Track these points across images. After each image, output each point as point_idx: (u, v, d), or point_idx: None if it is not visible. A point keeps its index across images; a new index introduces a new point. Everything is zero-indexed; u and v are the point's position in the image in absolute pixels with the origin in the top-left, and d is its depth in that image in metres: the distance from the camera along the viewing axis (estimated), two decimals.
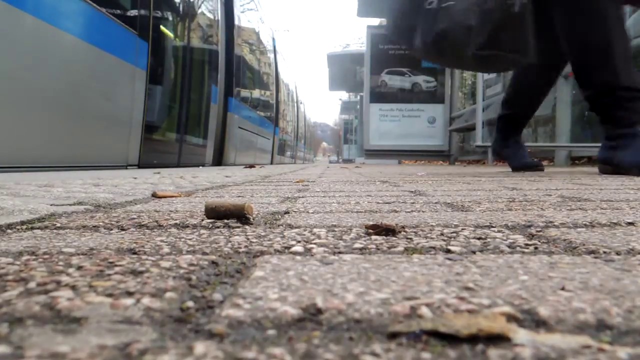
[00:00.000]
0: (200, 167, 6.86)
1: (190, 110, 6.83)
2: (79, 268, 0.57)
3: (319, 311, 0.41)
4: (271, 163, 14.15)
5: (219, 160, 8.66)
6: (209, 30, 7.54)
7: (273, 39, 14.26)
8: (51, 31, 3.58)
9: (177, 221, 1.01)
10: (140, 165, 5.31)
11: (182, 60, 6.53)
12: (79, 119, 4.18)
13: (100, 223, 0.98)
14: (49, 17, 3.53)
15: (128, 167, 5.08)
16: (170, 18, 6.06)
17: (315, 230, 0.88)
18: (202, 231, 0.87)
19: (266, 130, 13.19)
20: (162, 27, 5.75)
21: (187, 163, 6.79)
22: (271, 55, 14.09)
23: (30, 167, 3.53)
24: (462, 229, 0.88)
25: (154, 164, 5.54)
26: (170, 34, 6.08)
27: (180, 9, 6.25)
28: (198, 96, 7.17)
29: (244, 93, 10.15)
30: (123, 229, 0.90)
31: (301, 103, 26.45)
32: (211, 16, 7.57)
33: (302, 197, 1.65)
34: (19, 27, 3.26)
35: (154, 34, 5.27)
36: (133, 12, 4.91)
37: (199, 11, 6.87)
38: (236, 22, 8.91)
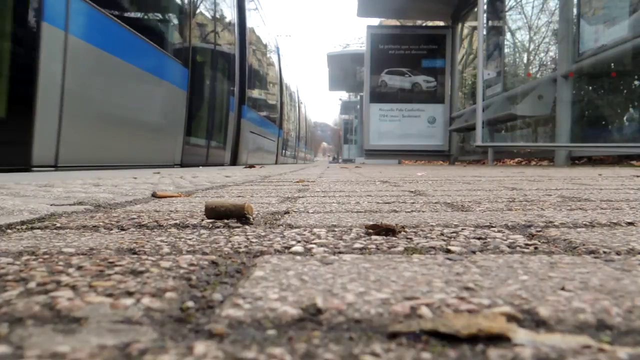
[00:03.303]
0: (220, 166, 8.26)
1: (215, 119, 8.43)
2: (79, 268, 0.57)
3: (319, 311, 0.41)
4: (276, 163, 15.54)
5: (234, 160, 9.93)
6: (229, 54, 9.32)
7: (277, 48, 15.82)
8: (131, 69, 5.05)
9: (177, 221, 1.01)
10: (182, 165, 6.67)
11: (210, 80, 8.14)
12: (148, 130, 5.69)
13: (100, 223, 0.98)
14: (132, 59, 5.02)
15: (174, 166, 6.41)
16: (203, 48, 7.71)
17: (315, 230, 0.88)
18: (202, 231, 0.87)
19: (272, 133, 14.66)
20: (197, 57, 7.27)
21: (212, 163, 8.20)
22: (276, 65, 15.69)
23: (118, 166, 5.00)
24: (462, 229, 0.88)
25: (190, 164, 6.95)
26: (202, 61, 7.72)
27: (210, 40, 7.97)
28: (220, 107, 8.80)
29: (254, 101, 11.72)
30: (123, 229, 0.90)
31: (302, 104, 27.24)
32: (231, 41, 9.42)
33: (302, 197, 1.65)
34: (112, 67, 4.68)
35: (192, 63, 6.81)
36: (179, 46, 6.47)
37: (223, 41, 8.82)
38: (247, 41, 10.54)
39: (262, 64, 13.06)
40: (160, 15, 6.07)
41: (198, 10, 7.18)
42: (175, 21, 6.46)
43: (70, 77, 3.94)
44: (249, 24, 10.66)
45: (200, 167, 6.94)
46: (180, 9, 6.51)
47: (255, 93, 11.89)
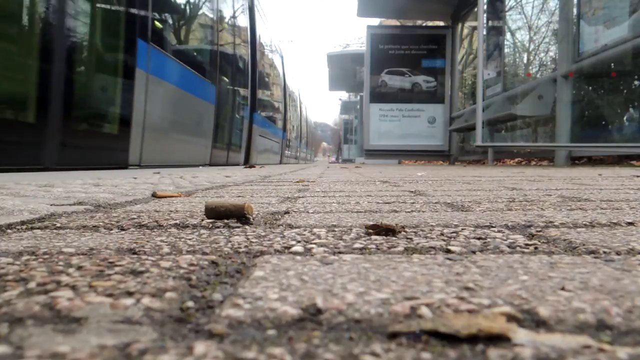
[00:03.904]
0: (236, 165, 9.68)
1: (233, 126, 10.12)
2: (79, 268, 0.57)
3: (319, 311, 0.41)
4: (280, 162, 17.15)
5: (246, 160, 11.44)
6: (244, 71, 11.00)
7: (282, 58, 17.67)
8: (182, 93, 6.76)
9: (177, 221, 1.01)
10: (210, 164, 8.24)
11: (230, 94, 9.88)
12: (191, 137, 7.40)
13: (100, 223, 0.98)
14: (183, 86, 6.76)
15: (205, 165, 7.98)
16: (226, 68, 9.41)
17: (315, 230, 0.88)
18: (202, 231, 0.87)
19: (277, 135, 16.39)
20: (222, 75, 8.95)
21: (231, 163, 9.87)
22: (281, 73, 17.40)
23: (174, 165, 6.45)
24: (462, 229, 0.88)
25: (216, 164, 8.56)
26: (226, 79, 9.47)
27: (230, 61, 9.84)
28: (238, 116, 10.57)
29: (262, 108, 13.36)
30: (123, 229, 0.90)
31: (303, 106, 29.03)
32: (246, 59, 11.08)
33: (302, 197, 1.65)
34: (172, 93, 6.42)
35: (218, 81, 8.54)
36: (210, 70, 8.13)
37: (240, 61, 10.56)
38: (258, 57, 12.12)
39: (269, 74, 14.83)
40: (200, 50, 8.05)
41: (223, 42, 9.08)
42: (209, 53, 8.34)
43: (149, 103, 5.49)
44: (259, 41, 12.44)
45: (222, 166, 8.49)
46: (211, 42, 8.42)
47: (263, 101, 13.58)
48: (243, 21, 10.81)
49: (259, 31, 12.12)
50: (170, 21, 6.76)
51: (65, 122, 4.03)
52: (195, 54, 7.73)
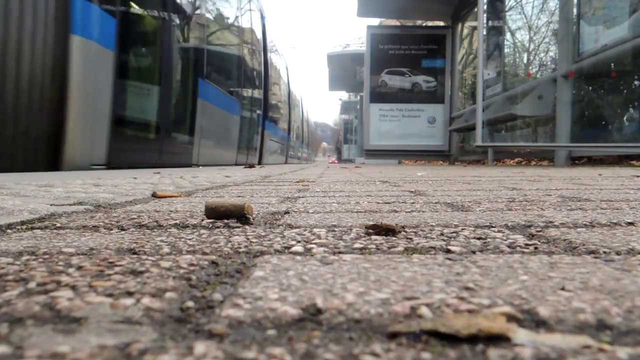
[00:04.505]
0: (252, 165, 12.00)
1: (250, 132, 12.22)
2: (79, 268, 0.57)
3: (319, 311, 0.41)
4: (285, 162, 19.52)
5: (260, 161, 13.56)
6: (259, 86, 13.39)
7: (287, 69, 20.19)
8: (219, 110, 8.94)
9: (177, 221, 1.01)
10: (236, 164, 10.30)
11: (249, 106, 11.99)
12: (224, 144, 9.60)
13: (100, 223, 0.98)
14: (219, 104, 8.88)
15: (232, 165, 9.80)
16: (247, 85, 11.67)
17: (315, 230, 0.88)
18: (202, 231, 0.87)
19: (283, 138, 18.95)
20: (244, 92, 11.27)
21: (249, 163, 11.63)
22: (286, 82, 19.88)
23: (214, 165, 8.44)
24: (462, 229, 0.88)
25: (239, 164, 10.52)
26: (246, 95, 11.65)
27: (250, 78, 12.03)
28: (254, 124, 12.75)
29: (272, 115, 15.76)
30: (123, 229, 0.90)
31: (304, 108, 31.36)
32: (260, 76, 13.51)
33: (302, 197, 1.65)
34: (213, 110, 8.40)
35: (241, 97, 10.89)
36: (236, 89, 10.50)
37: (256, 80, 12.93)
38: (269, 72, 14.61)
39: (277, 85, 17.25)
40: (229, 75, 10.17)
41: (244, 65, 11.33)
42: (235, 77, 10.60)
43: (202, 121, 7.74)
44: (270, 60, 14.88)
45: (243, 165, 10.37)
46: (238, 67, 10.71)
47: (272, 110, 15.90)
48: (258, 47, 13.31)
49: (269, 53, 14.73)
50: (213, 61, 8.84)
51: (165, 138, 6.37)
52: (226, 79, 9.92)
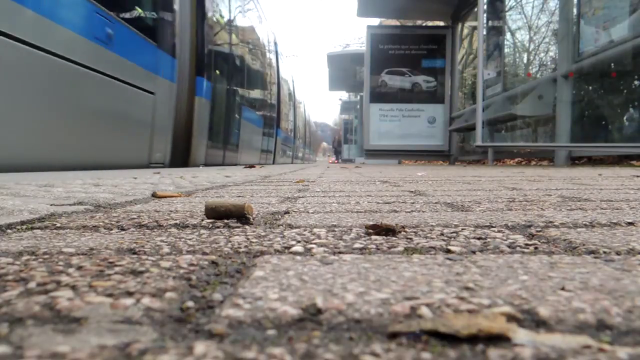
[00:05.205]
0: (270, 164, 14.14)
1: (268, 139, 14.72)
2: (79, 268, 0.57)
3: (319, 311, 0.41)
4: (291, 162, 22.35)
5: (274, 161, 16.19)
6: (274, 102, 15.94)
7: (293, 81, 23.07)
8: (250, 124, 11.66)
9: (177, 221, 1.01)
10: (259, 163, 12.39)
11: (267, 118, 14.40)
12: (254, 148, 12.35)
13: (100, 223, 0.98)
14: (250, 120, 11.73)
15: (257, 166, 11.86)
16: (266, 102, 14.38)
17: (315, 230, 0.88)
18: (202, 231, 0.87)
19: (290, 142, 22.16)
20: (264, 107, 13.83)
21: (267, 163, 13.97)
22: (292, 92, 22.66)
23: (243, 164, 10.57)
24: (462, 229, 0.88)
25: (261, 164, 12.41)
26: (264, 110, 14.03)
27: (268, 96, 14.74)
28: (271, 132, 15.31)
29: (281, 123, 18.41)
30: (123, 229, 0.90)
31: (306, 112, 34.32)
32: (275, 92, 16.10)
33: (302, 197, 1.65)
34: (248, 126, 11.48)
35: (262, 111, 13.53)
36: (258, 104, 12.81)
37: (272, 97, 15.62)
38: (281, 88, 17.40)
39: (285, 95, 19.77)
40: (256, 97, 12.61)
41: (266, 87, 14.23)
42: (260, 95, 13.23)
43: (243, 134, 10.58)
44: (281, 76, 17.54)
45: (263, 164, 12.49)
46: (262, 88, 13.38)
47: (282, 118, 18.65)
48: (274, 71, 15.98)
49: (281, 70, 17.53)
50: (250, 94, 11.82)
51: (226, 147, 9.26)
52: (252, 98, 12.32)
